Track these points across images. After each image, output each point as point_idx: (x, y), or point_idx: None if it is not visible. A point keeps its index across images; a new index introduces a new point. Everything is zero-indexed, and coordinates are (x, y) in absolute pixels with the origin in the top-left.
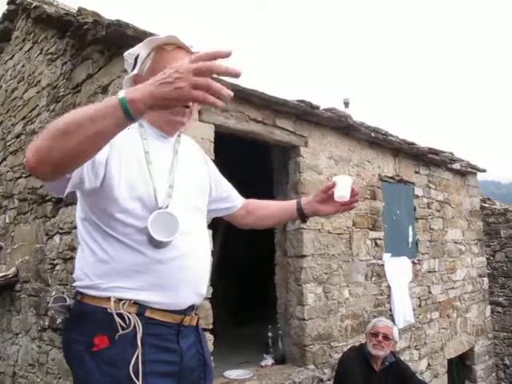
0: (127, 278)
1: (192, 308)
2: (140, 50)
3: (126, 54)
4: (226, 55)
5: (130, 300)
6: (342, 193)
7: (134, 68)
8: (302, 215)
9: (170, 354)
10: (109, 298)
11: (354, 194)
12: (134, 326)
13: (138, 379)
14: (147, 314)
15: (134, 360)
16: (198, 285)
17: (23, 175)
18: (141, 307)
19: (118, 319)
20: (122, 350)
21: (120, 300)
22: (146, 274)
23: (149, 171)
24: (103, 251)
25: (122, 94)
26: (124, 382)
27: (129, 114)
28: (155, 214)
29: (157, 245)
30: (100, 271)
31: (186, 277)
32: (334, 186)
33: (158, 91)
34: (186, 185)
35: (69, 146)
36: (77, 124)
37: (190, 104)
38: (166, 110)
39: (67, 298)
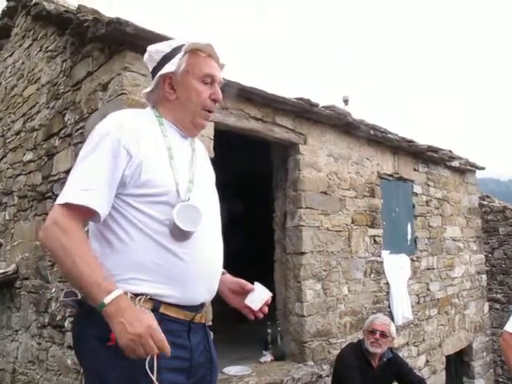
0: (145, 269)
1: (203, 305)
2: (168, 48)
3: (152, 48)
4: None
5: (146, 295)
6: (251, 302)
7: (158, 64)
8: None
9: (182, 350)
10: (125, 293)
11: (262, 309)
12: None
13: (152, 374)
14: (161, 309)
15: (149, 355)
16: (212, 281)
17: (23, 172)
18: (156, 303)
19: None
20: None
21: (136, 295)
22: (164, 266)
23: (171, 166)
24: (122, 242)
25: (107, 300)
26: (139, 376)
27: (99, 311)
28: (180, 206)
29: (179, 236)
30: (117, 262)
31: (202, 273)
32: (251, 289)
33: (121, 336)
34: (203, 180)
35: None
36: (69, 276)
37: (215, 110)
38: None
39: (78, 293)
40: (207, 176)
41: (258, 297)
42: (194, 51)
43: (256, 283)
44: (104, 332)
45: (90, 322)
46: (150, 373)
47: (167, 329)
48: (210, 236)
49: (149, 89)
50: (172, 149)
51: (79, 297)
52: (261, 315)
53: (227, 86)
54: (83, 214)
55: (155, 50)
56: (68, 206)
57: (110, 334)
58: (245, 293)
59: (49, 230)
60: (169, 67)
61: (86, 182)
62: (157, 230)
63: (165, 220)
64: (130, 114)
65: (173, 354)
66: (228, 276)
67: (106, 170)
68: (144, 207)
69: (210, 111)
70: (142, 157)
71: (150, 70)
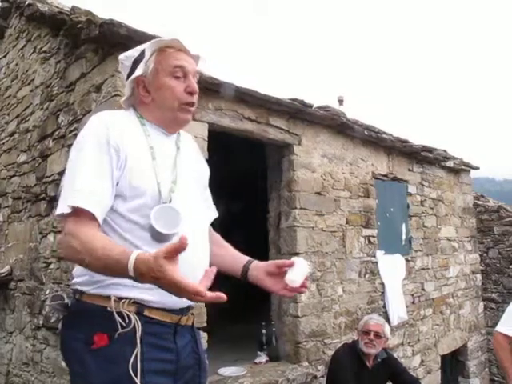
0: None
1: (189, 308)
2: (137, 52)
3: (122, 56)
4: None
5: (130, 299)
6: (295, 277)
7: (131, 70)
8: (245, 277)
9: (167, 353)
10: (109, 297)
11: (303, 284)
12: (134, 324)
13: (136, 377)
14: (146, 313)
15: (133, 358)
16: None
17: (17, 173)
18: (140, 306)
19: (118, 318)
20: (121, 348)
21: (120, 299)
22: None
23: (153, 167)
24: None
25: (131, 272)
26: (123, 379)
27: (136, 279)
28: (158, 208)
29: (159, 239)
30: None
31: (185, 276)
32: (290, 265)
33: (151, 282)
34: (188, 180)
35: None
36: (98, 270)
37: (195, 101)
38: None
39: (65, 296)
40: (195, 175)
41: (299, 272)
42: (163, 49)
43: (294, 258)
44: (88, 335)
45: (75, 325)
46: (133, 376)
47: (152, 331)
48: (194, 238)
49: (125, 97)
50: (154, 148)
51: (66, 300)
52: (304, 290)
53: (224, 87)
54: (87, 216)
55: (125, 57)
56: (74, 213)
57: (93, 338)
58: (282, 273)
59: (63, 243)
60: (138, 71)
61: (84, 184)
62: (138, 235)
63: (145, 224)
64: (115, 113)
65: (158, 357)
66: (258, 262)
67: (105, 170)
68: (126, 212)
69: (189, 104)
70: (128, 157)
71: (125, 77)
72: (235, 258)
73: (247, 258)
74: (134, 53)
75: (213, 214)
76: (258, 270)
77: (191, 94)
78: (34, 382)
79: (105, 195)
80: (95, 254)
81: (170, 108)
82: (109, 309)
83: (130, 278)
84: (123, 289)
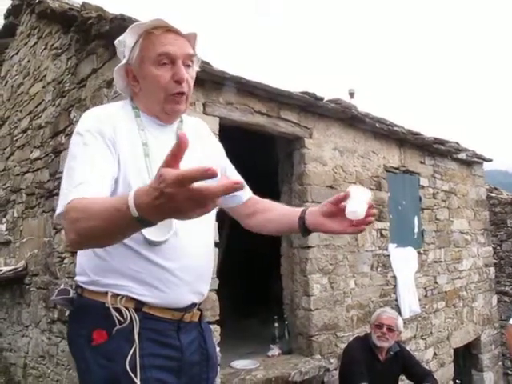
0: (124, 276)
1: (193, 305)
2: (126, 37)
3: (116, 41)
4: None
5: (128, 295)
6: (355, 208)
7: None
8: (303, 227)
9: (170, 349)
10: (106, 293)
11: (369, 213)
12: (131, 320)
13: (135, 373)
14: (145, 309)
15: (130, 354)
16: (197, 284)
17: (30, 169)
18: (138, 302)
19: (115, 313)
20: (118, 344)
21: (117, 295)
22: (143, 274)
23: (146, 165)
24: (104, 249)
25: (134, 213)
26: (121, 375)
27: (144, 222)
28: None
29: (152, 243)
30: (98, 268)
31: (183, 278)
32: (346, 198)
33: (158, 209)
34: None
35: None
36: (106, 232)
37: (185, 90)
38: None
39: (71, 291)
40: (200, 163)
41: (359, 200)
42: (149, 32)
43: (350, 187)
44: (89, 332)
45: (78, 320)
46: (130, 372)
47: (152, 327)
48: (192, 236)
49: (119, 86)
50: (148, 144)
51: (71, 295)
52: (372, 220)
53: (234, 81)
54: None
55: (118, 42)
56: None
57: (93, 334)
58: (342, 209)
59: (65, 229)
60: (124, 59)
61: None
62: (132, 237)
63: None
64: (107, 107)
65: (159, 353)
66: (312, 208)
67: (101, 162)
68: None
69: (178, 93)
70: (120, 155)
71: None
72: (288, 215)
73: (301, 209)
74: (125, 37)
75: (243, 195)
76: (314, 215)
77: (179, 82)
78: (50, 374)
79: (103, 184)
80: (94, 213)
81: (156, 100)
82: (106, 305)
83: (136, 226)
84: (120, 288)
